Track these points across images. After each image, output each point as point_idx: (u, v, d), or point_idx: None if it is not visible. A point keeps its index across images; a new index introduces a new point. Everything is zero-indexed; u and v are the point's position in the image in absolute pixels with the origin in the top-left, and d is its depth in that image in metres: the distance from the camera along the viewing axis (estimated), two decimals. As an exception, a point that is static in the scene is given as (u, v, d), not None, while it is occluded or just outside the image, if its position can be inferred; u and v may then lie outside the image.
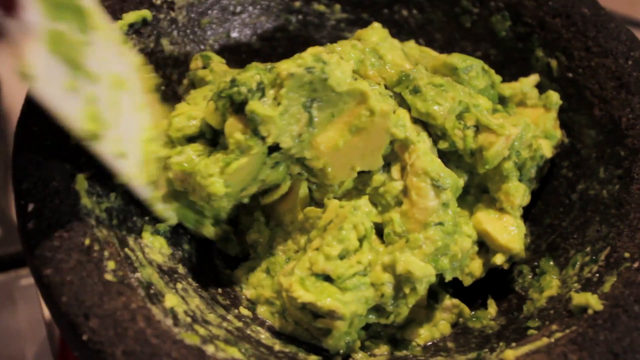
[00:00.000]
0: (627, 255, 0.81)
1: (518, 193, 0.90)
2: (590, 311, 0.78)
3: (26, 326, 1.05)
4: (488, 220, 0.92)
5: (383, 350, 0.89)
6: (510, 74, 1.01)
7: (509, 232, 0.91)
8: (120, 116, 0.77)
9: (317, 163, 0.88)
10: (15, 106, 1.27)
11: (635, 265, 0.80)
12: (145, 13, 0.94)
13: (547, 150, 0.95)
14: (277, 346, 0.84)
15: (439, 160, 0.89)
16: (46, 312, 1.07)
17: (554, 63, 0.96)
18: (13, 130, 0.92)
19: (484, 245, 0.92)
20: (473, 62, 0.96)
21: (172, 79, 0.98)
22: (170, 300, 0.80)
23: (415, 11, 1.05)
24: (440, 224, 0.86)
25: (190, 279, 0.87)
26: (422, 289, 0.85)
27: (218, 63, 0.98)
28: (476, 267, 0.92)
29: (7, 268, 1.08)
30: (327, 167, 0.88)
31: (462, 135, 0.90)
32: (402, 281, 0.85)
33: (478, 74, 0.95)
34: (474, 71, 0.95)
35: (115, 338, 0.73)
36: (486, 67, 0.96)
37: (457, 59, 0.95)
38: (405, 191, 0.88)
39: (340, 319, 0.82)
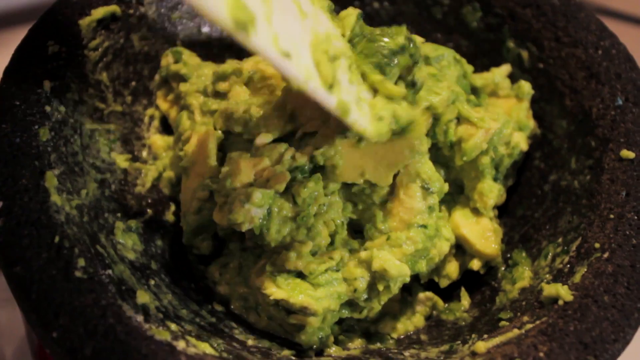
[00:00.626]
0: (597, 245, 0.82)
1: (492, 194, 0.92)
2: (560, 302, 0.79)
3: (5, 324, 1.07)
4: (465, 224, 0.94)
5: (357, 344, 0.90)
6: (482, 65, 1.02)
7: (486, 237, 0.93)
8: (273, 13, 0.73)
9: (333, 157, 0.87)
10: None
11: (605, 255, 0.81)
12: (114, 8, 0.95)
13: (522, 142, 0.96)
14: (250, 341, 0.85)
15: (431, 163, 0.90)
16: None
17: (524, 54, 0.98)
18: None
19: (461, 248, 0.94)
20: (444, 52, 0.97)
21: (143, 75, 0.99)
22: (142, 296, 0.80)
23: (387, 3, 1.07)
24: (424, 226, 0.87)
25: (163, 275, 0.88)
26: (395, 288, 0.86)
27: (190, 56, 0.98)
28: (452, 269, 0.93)
29: None
30: (339, 163, 0.87)
31: (444, 128, 0.92)
32: (376, 278, 0.86)
33: (450, 63, 0.96)
34: (445, 60, 0.96)
35: (85, 335, 0.74)
36: (457, 56, 0.97)
37: (428, 49, 0.95)
38: (392, 190, 0.89)
39: (313, 315, 0.84)
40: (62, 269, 0.78)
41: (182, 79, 0.99)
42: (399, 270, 0.85)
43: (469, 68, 0.98)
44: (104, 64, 0.94)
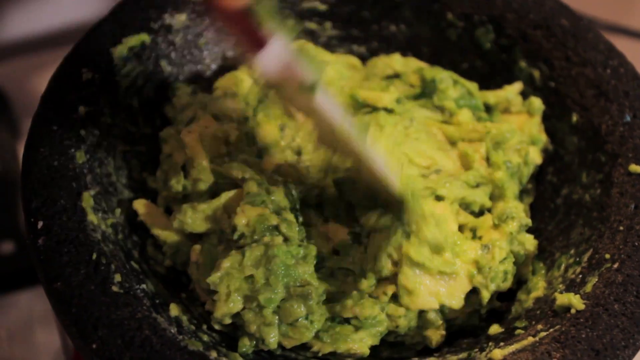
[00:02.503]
0: (607, 256, 0.84)
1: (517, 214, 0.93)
2: (573, 311, 0.81)
3: (41, 339, 1.11)
4: None
5: (385, 354, 0.92)
6: (495, 83, 1.04)
7: None
8: None
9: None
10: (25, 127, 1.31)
11: (615, 265, 0.83)
12: (144, 37, 0.97)
13: (536, 156, 0.99)
14: (279, 351, 0.87)
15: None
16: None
17: (536, 73, 1.00)
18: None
19: None
20: (442, 74, 1.00)
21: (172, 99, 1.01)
22: (174, 309, 0.83)
23: (403, 26, 1.09)
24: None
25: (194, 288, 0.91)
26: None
27: (182, 95, 1.00)
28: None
29: (21, 283, 1.14)
30: (417, 289, 0.88)
31: None
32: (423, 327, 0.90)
33: (448, 85, 0.99)
34: (444, 83, 0.99)
35: (123, 346, 0.77)
36: (455, 76, 1.01)
37: (428, 73, 1.00)
38: None
39: (361, 357, 0.87)
40: (100, 284, 0.81)
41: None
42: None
43: (472, 86, 1.01)
44: (135, 89, 0.96)
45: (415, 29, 1.09)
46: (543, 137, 1.00)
